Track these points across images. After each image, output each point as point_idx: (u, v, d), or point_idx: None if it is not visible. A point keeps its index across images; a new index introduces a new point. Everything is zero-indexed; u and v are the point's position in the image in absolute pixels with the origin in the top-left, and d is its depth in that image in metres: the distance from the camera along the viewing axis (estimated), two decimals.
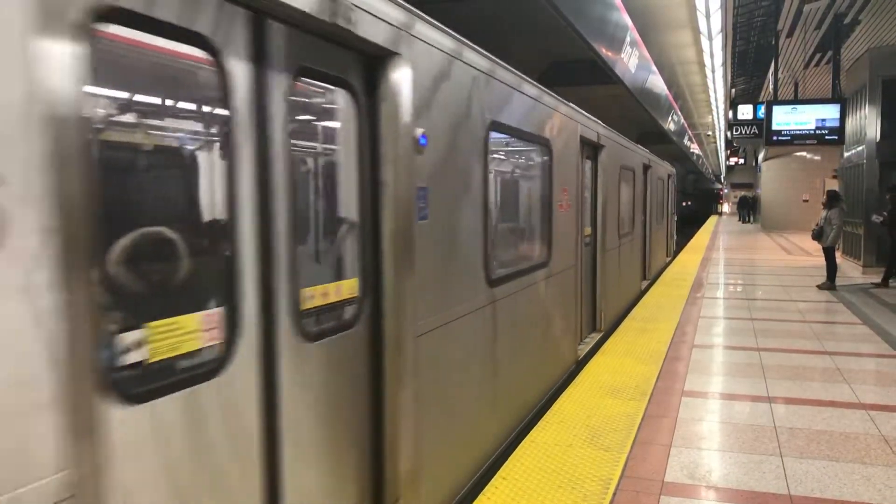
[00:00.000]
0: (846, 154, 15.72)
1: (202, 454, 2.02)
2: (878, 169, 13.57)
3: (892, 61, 13.44)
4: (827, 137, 14.79)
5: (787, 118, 14.87)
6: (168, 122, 2.20)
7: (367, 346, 2.90)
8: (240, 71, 2.16)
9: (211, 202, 2.18)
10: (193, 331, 2.01)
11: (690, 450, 4.29)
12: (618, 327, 8.13)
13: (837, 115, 14.67)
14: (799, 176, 27.92)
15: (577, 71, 8.94)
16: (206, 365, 2.05)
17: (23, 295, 1.43)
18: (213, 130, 2.20)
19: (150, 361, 1.85)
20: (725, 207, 55.94)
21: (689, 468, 4.01)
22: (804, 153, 27.25)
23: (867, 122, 13.79)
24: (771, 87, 17.01)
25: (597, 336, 7.71)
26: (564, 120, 5.93)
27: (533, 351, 5.11)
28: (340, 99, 2.79)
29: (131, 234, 1.87)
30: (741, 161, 43.15)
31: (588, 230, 7.44)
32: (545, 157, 5.47)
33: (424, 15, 3.19)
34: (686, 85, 22.22)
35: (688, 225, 29.88)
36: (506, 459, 4.09)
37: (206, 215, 2.23)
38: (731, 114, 20.35)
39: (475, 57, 3.85)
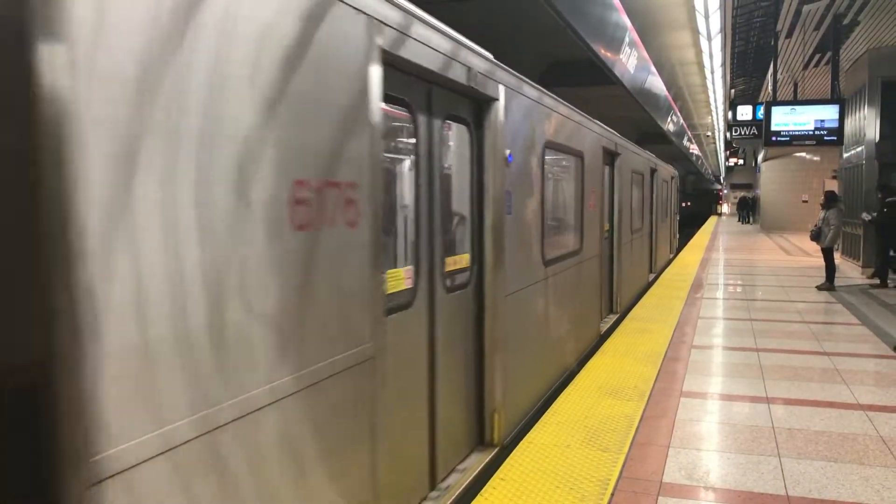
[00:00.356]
0: (845, 155, 15.73)
1: (408, 346, 3.35)
2: (878, 170, 13.57)
3: (892, 62, 13.45)
4: (826, 138, 14.78)
5: (786, 119, 14.87)
6: (390, 149, 3.55)
7: (475, 301, 4.17)
8: (420, 119, 3.41)
9: (404, 200, 3.53)
10: (401, 278, 3.29)
11: (688, 450, 4.29)
12: (628, 313, 9.11)
13: (836, 116, 14.67)
14: (798, 177, 27.94)
15: (576, 72, 8.95)
16: (406, 298, 3.32)
17: (363, 249, 2.62)
18: (409, 155, 3.47)
19: (388, 293, 3.03)
20: (725, 208, 55.97)
21: (687, 469, 4.01)
22: (803, 154, 27.26)
23: (866, 123, 13.79)
24: (770, 87, 17.01)
25: (614, 317, 8.89)
26: (592, 134, 7.13)
27: (571, 319, 6.36)
28: (463, 132, 4.06)
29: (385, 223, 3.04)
30: (741, 162, 43.17)
31: (606, 226, 8.53)
32: (579, 166, 6.62)
33: (513, 70, 4.52)
34: (685, 86, 22.22)
35: (687, 226, 29.91)
36: (554, 400, 5.29)
37: (403, 208, 3.56)
38: (730, 114, 20.35)
39: (542, 96, 5.25)
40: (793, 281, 12.76)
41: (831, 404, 5.21)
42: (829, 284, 11.45)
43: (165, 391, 1.69)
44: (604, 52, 7.97)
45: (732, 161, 42.75)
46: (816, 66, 16.20)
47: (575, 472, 3.92)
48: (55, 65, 1.42)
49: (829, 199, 11.53)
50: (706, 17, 12.05)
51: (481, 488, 3.70)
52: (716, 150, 47.97)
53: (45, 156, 1.41)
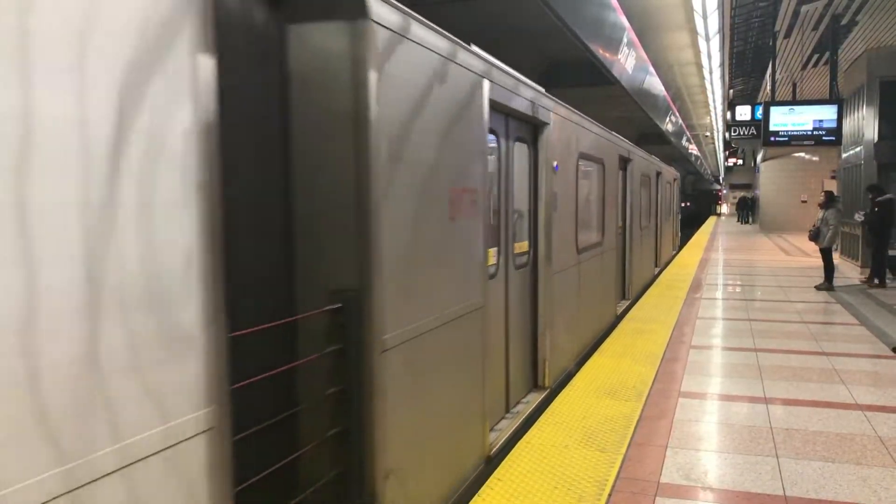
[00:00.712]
0: (844, 155, 15.74)
1: (493, 305, 4.49)
2: (877, 170, 13.58)
3: (890, 62, 13.45)
4: (824, 138, 14.80)
5: (785, 119, 14.88)
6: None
7: (531, 278, 5.49)
8: (501, 142, 4.68)
9: (496, 200, 4.64)
10: (492, 256, 4.45)
11: (686, 451, 4.29)
12: (638, 299, 10.50)
13: (835, 116, 14.69)
14: (797, 177, 27.95)
15: (575, 72, 8.95)
16: (493, 270, 4.51)
17: (479, 234, 3.87)
18: (492, 168, 4.52)
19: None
20: (724, 208, 55.99)
21: (685, 469, 4.01)
22: (803, 154, 27.27)
23: (865, 123, 13.80)
24: (769, 88, 17.02)
25: (626, 302, 10.12)
26: (610, 144, 8.39)
27: (597, 298, 7.76)
28: (524, 149, 5.28)
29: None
30: (740, 162, 43.21)
31: (619, 223, 9.61)
32: (601, 171, 7.84)
33: (560, 101, 5.84)
34: (684, 86, 22.23)
35: (686, 226, 29.93)
36: (585, 362, 6.55)
37: (494, 204, 4.59)
38: (729, 115, 20.36)
39: (576, 117, 6.55)
40: (792, 281, 12.76)
41: (829, 404, 5.21)
42: (827, 284, 11.45)
43: (413, 307, 3.09)
44: (602, 53, 7.98)
45: (731, 161, 42.78)
46: (815, 66, 16.21)
47: (572, 472, 3.92)
48: (369, 98, 2.62)
49: (828, 200, 11.54)
50: (704, 17, 12.06)
51: (535, 419, 4.87)
52: (715, 151, 48.01)
53: (360, 159, 2.65)
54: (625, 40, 9.01)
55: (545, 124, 5.39)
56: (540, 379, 5.57)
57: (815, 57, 15.53)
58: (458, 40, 3.59)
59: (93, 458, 1.55)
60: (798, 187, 27.86)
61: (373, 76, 2.63)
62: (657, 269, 14.19)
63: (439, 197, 3.33)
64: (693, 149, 32.78)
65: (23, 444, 1.40)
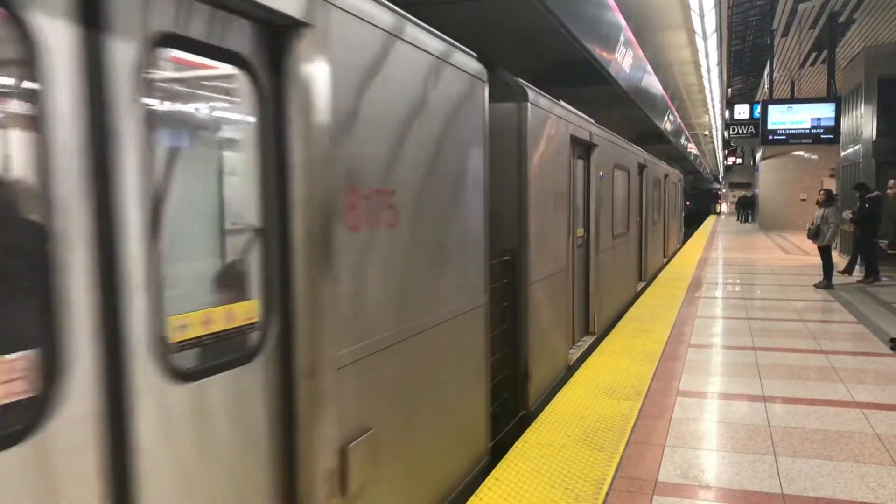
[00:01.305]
0: (843, 153, 15.74)
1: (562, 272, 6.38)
2: (875, 168, 13.58)
3: (888, 60, 13.46)
4: (823, 137, 14.80)
5: (783, 118, 14.88)
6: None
7: (585, 254, 7.39)
8: (571, 160, 6.82)
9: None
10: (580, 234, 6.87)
11: (684, 449, 4.29)
12: (652, 281, 12.55)
13: (833, 115, 14.69)
14: (796, 175, 27.95)
15: (573, 71, 8.94)
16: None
17: (567, 219, 6.33)
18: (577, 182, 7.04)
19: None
20: (724, 207, 55.98)
21: (683, 468, 4.00)
22: (802, 152, 27.27)
23: (863, 121, 13.80)
24: (766, 86, 17.02)
25: (643, 284, 12.05)
26: (632, 154, 10.78)
27: (625, 274, 10.07)
28: (580, 163, 7.13)
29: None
30: (739, 161, 43.20)
31: (638, 218, 11.80)
32: (626, 176, 10.03)
33: (604, 128, 7.99)
34: (682, 85, 22.22)
35: (686, 225, 29.93)
36: (619, 320, 8.63)
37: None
38: (727, 114, 20.36)
39: (612, 137, 8.55)
40: (791, 279, 12.76)
41: (828, 402, 5.21)
42: (826, 283, 11.44)
43: (542, 263, 5.40)
44: (599, 52, 7.98)
45: (731, 160, 42.77)
46: (813, 64, 16.22)
47: (570, 471, 3.92)
48: (527, 148, 4.99)
49: (828, 198, 11.54)
50: (701, 16, 12.05)
51: (589, 355, 6.71)
52: (714, 150, 48.01)
53: (521, 180, 4.97)
54: (622, 39, 9.01)
55: (595, 146, 7.51)
56: (591, 326, 7.63)
57: (814, 55, 15.53)
58: (570, 107, 6.46)
59: (440, 313, 3.38)
60: (797, 186, 27.86)
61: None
62: (665, 259, 16.48)
63: (551, 198, 5.60)
64: (692, 148, 32.77)
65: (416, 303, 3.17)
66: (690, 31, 13.66)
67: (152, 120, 1.86)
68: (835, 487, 3.72)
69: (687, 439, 4.47)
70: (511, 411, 5.01)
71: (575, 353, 6.66)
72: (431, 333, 3.29)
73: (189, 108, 2.26)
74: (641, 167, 11.92)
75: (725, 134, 24.72)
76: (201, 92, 2.27)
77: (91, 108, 1.66)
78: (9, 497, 1.52)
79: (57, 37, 1.56)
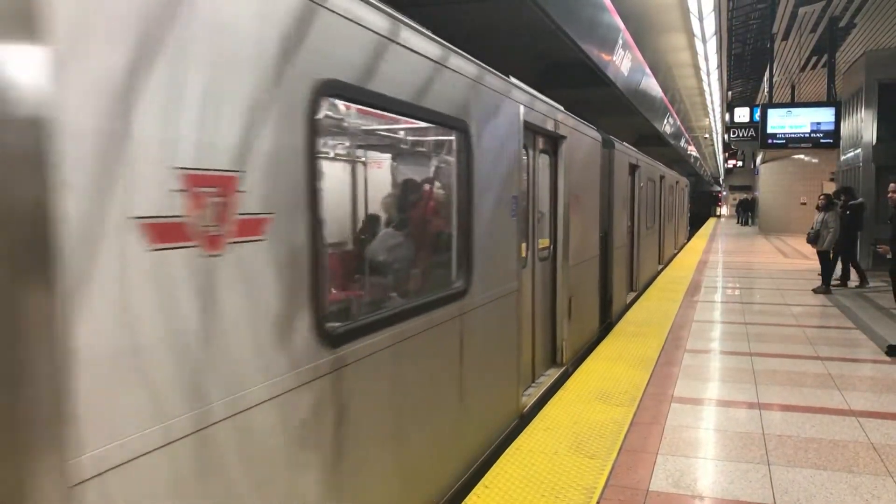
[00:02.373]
0: (842, 157, 15.69)
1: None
2: (875, 172, 13.54)
3: (889, 64, 13.41)
4: (822, 141, 14.76)
5: (782, 121, 14.84)
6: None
7: (630, 242, 10.71)
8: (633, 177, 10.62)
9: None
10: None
11: (677, 457, 4.24)
12: (668, 264, 16.10)
13: (832, 119, 14.64)
14: (797, 179, 27.90)
15: (571, 74, 8.91)
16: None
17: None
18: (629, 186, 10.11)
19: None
20: (724, 210, 55.95)
21: (675, 476, 3.95)
22: (802, 156, 27.23)
23: (863, 126, 13.76)
24: (766, 90, 16.98)
25: (661, 266, 15.37)
26: (654, 168, 13.36)
27: (650, 258, 12.95)
28: (625, 176, 10.21)
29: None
30: (739, 164, 43.18)
31: (658, 215, 14.78)
32: (657, 186, 13.29)
33: (644, 156, 11.89)
34: (682, 88, 22.19)
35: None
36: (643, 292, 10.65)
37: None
38: (727, 117, 20.31)
39: (649, 160, 12.51)
40: (789, 284, 12.71)
41: (823, 410, 5.16)
42: (825, 287, 11.40)
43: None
44: (596, 54, 7.94)
45: (731, 163, 42.74)
46: (813, 68, 16.17)
47: (561, 479, 3.87)
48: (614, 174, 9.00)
49: (828, 202, 11.49)
50: (700, 19, 12.02)
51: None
52: (714, 153, 47.98)
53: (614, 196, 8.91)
54: (620, 42, 8.96)
55: (637, 167, 10.44)
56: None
57: (814, 59, 15.49)
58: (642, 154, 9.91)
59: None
60: (797, 189, 27.81)
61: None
62: (675, 250, 19.73)
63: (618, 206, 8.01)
64: (692, 150, 32.74)
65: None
66: (690, 34, 13.63)
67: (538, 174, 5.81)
68: (828, 498, 3.67)
69: (680, 447, 4.42)
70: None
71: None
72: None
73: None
74: (661, 177, 13.65)
75: (725, 137, 24.68)
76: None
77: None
78: (543, 272, 5.99)
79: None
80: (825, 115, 14.67)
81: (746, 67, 21.47)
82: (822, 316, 9.38)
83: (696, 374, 6.22)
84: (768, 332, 8.18)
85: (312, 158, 2.32)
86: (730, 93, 23.94)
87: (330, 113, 3.30)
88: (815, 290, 11.45)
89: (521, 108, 4.90)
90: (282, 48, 2.17)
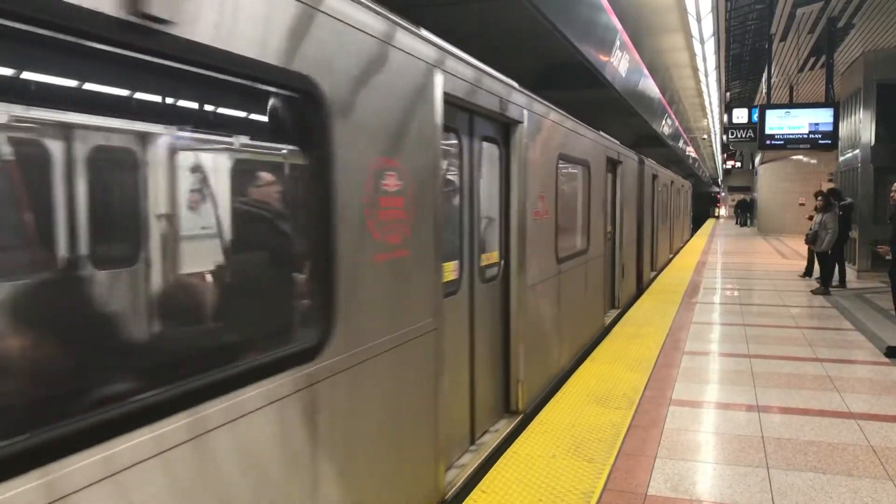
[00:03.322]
0: (841, 158, 15.67)
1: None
2: (873, 173, 13.51)
3: (887, 65, 13.38)
4: (821, 142, 14.73)
5: (781, 122, 14.81)
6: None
7: (637, 238, 11.99)
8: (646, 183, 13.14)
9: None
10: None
11: (675, 461, 4.21)
12: (678, 253, 20.04)
13: (831, 120, 14.61)
14: (795, 179, 27.89)
15: (568, 75, 8.88)
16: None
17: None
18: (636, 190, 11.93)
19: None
20: (722, 211, 55.96)
21: (673, 480, 3.92)
22: (801, 157, 27.22)
23: (862, 126, 13.72)
24: (764, 91, 16.96)
25: (671, 255, 19.15)
26: (668, 176, 17.34)
27: (665, 243, 17.10)
28: (682, 187, 23.14)
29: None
30: (738, 164, 43.17)
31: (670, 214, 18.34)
32: (677, 191, 20.31)
33: (661, 167, 16.25)
34: (680, 89, 22.18)
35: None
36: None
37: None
38: (726, 117, 20.30)
39: (667, 171, 17.78)
40: (788, 285, 12.69)
41: (822, 412, 5.12)
42: (824, 289, 11.37)
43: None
44: (593, 55, 7.91)
45: (730, 164, 42.74)
46: (812, 69, 16.16)
47: (558, 484, 3.83)
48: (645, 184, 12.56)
49: (826, 203, 11.46)
50: (698, 20, 12.00)
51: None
52: (713, 154, 47.97)
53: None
54: (617, 43, 8.94)
55: (656, 177, 12.74)
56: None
57: (812, 60, 15.48)
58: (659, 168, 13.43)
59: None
60: (796, 190, 27.80)
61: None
62: (681, 244, 23.05)
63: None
64: (691, 151, 32.72)
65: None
66: (688, 35, 13.61)
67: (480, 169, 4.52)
68: (828, 502, 3.63)
69: (679, 450, 4.38)
70: None
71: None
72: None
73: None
74: (671, 182, 18.38)
75: (724, 138, 24.67)
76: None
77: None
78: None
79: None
80: (823, 116, 14.64)
81: (745, 68, 21.46)
82: (821, 317, 9.35)
83: (694, 377, 6.19)
84: (767, 333, 8.15)
85: None
86: (728, 94, 23.92)
87: None
88: (814, 292, 11.42)
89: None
90: None
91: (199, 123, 2.20)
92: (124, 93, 1.91)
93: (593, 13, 7.85)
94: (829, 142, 14.74)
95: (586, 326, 7.47)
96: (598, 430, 4.70)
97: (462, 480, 3.86)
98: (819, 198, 11.70)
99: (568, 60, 7.72)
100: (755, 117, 18.21)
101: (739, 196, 45.54)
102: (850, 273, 13.80)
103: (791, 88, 18.39)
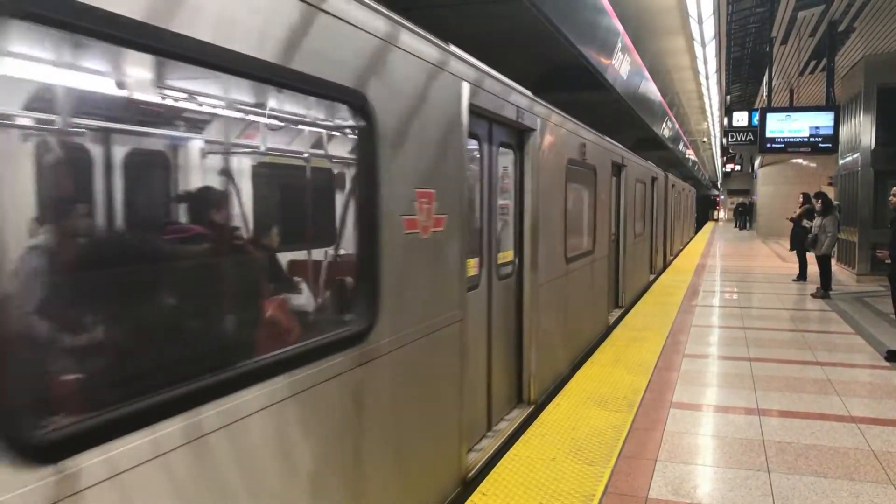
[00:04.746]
0: (841, 161, 15.68)
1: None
2: (873, 177, 13.51)
3: (888, 68, 13.39)
4: (821, 146, 14.71)
5: (781, 126, 14.80)
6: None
7: (650, 242, 13.97)
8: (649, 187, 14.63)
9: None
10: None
11: (676, 464, 4.20)
12: (685, 246, 23.55)
13: (831, 123, 14.60)
14: (795, 182, 27.89)
15: (569, 77, 8.88)
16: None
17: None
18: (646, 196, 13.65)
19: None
20: (721, 213, 56.00)
21: (674, 484, 3.91)
22: (800, 160, 27.23)
23: (862, 130, 13.73)
24: (765, 94, 16.97)
25: (679, 246, 22.40)
26: (680, 183, 23.10)
27: (678, 235, 22.24)
28: (682, 192, 24.88)
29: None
30: (737, 167, 43.19)
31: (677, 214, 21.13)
32: (680, 195, 22.15)
33: (675, 177, 20.28)
34: (681, 91, 22.20)
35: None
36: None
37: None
38: (726, 121, 20.30)
39: (679, 180, 23.25)
40: (787, 288, 12.69)
41: (823, 416, 5.12)
42: (824, 292, 11.37)
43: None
44: (595, 58, 7.91)
45: (729, 167, 42.76)
46: (812, 72, 16.16)
47: (559, 486, 3.82)
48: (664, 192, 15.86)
49: (825, 207, 11.46)
50: (700, 23, 12.00)
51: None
52: (712, 156, 47.99)
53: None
54: (619, 45, 8.94)
55: (673, 187, 17.29)
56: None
57: (813, 63, 15.48)
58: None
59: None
60: (795, 193, 27.75)
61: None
62: (686, 240, 25.76)
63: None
64: (690, 154, 32.74)
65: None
66: (689, 38, 13.61)
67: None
68: None
69: (679, 454, 4.38)
70: None
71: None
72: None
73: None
74: (681, 190, 21.99)
75: (724, 141, 24.68)
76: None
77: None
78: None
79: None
80: (824, 120, 14.64)
81: (745, 71, 21.47)
82: (821, 321, 9.34)
83: (694, 380, 6.18)
84: (767, 336, 8.15)
85: None
86: (728, 97, 23.93)
87: None
88: (814, 295, 11.43)
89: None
90: None
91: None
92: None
93: (595, 15, 7.85)
94: (830, 145, 14.74)
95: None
96: (598, 433, 4.69)
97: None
98: (818, 200, 11.69)
99: (570, 63, 7.71)
100: (755, 120, 18.19)
101: (739, 199, 45.56)
102: (850, 277, 13.81)
103: (791, 92, 18.39)
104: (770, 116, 15.00)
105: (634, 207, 11.10)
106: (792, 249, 13.97)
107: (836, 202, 12.27)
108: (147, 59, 1.86)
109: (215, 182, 2.32)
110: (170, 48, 1.80)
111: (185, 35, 1.81)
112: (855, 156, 14.21)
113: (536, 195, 5.22)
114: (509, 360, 5.08)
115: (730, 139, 20.45)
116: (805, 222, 12.66)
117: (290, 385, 2.28)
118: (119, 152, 1.95)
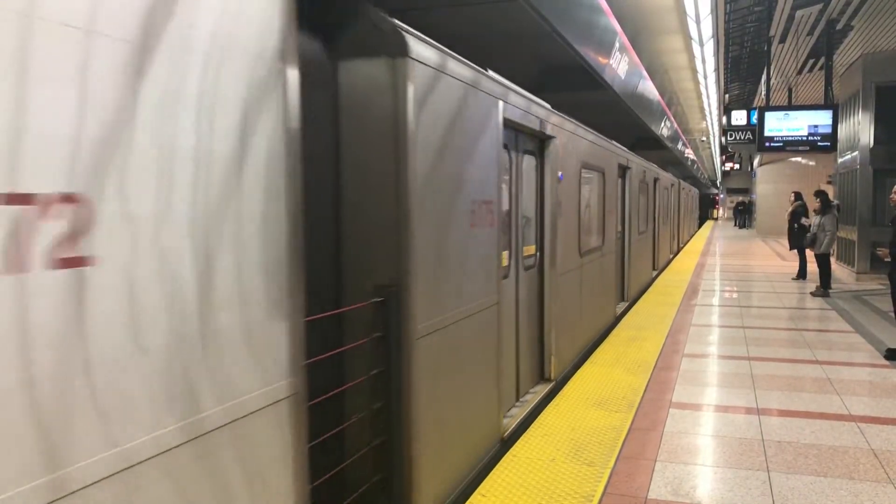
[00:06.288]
0: (840, 160, 15.69)
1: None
2: (872, 175, 13.51)
3: (886, 67, 13.39)
4: (819, 144, 14.74)
5: (780, 124, 14.82)
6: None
7: (652, 242, 14.30)
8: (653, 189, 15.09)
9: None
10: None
11: (675, 464, 4.19)
12: (688, 242, 25.58)
13: (830, 122, 14.62)
14: (793, 181, 27.90)
15: (567, 77, 8.87)
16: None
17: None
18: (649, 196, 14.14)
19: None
20: (721, 212, 56.04)
21: (674, 484, 3.91)
22: (799, 159, 27.25)
23: (860, 128, 13.73)
24: (763, 93, 16.98)
25: (682, 243, 23.10)
26: (685, 186, 25.03)
27: (685, 230, 25.53)
28: (691, 193, 27.98)
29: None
30: (737, 166, 43.21)
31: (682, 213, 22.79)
32: (689, 196, 27.07)
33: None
34: (679, 91, 22.21)
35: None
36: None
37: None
38: (724, 119, 20.31)
39: (680, 180, 22.79)
40: (787, 287, 12.69)
41: (823, 415, 5.11)
42: (823, 291, 11.37)
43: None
44: (593, 57, 7.90)
45: (728, 166, 42.79)
46: (810, 71, 16.17)
47: (558, 487, 3.82)
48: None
49: (824, 205, 11.46)
50: (697, 22, 12.00)
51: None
52: (711, 155, 48.01)
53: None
54: (616, 45, 8.93)
55: (673, 186, 17.09)
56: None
57: (811, 62, 15.49)
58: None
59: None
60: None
61: None
62: (689, 237, 27.06)
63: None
64: (689, 153, 32.77)
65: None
66: (687, 37, 13.61)
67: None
68: None
69: (679, 454, 4.37)
70: None
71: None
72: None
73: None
74: (689, 190, 23.23)
75: (723, 140, 24.70)
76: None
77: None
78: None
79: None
80: (822, 118, 14.65)
81: (744, 70, 21.48)
82: (821, 319, 9.34)
83: (694, 379, 6.18)
84: (766, 335, 8.15)
85: None
86: (727, 96, 23.95)
87: None
88: (814, 294, 11.43)
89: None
90: None
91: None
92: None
93: (593, 15, 7.84)
94: (828, 144, 14.76)
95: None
96: (597, 434, 4.69)
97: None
98: (817, 199, 11.70)
99: (567, 63, 7.70)
100: (754, 119, 18.22)
101: (738, 198, 45.58)
102: (850, 276, 13.81)
103: (790, 90, 18.41)
104: (768, 115, 15.02)
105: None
106: (792, 249, 13.94)
107: (835, 201, 12.29)
108: None
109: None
110: None
111: None
112: (854, 154, 14.22)
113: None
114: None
115: (728, 138, 20.47)
116: (804, 220, 12.66)
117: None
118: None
